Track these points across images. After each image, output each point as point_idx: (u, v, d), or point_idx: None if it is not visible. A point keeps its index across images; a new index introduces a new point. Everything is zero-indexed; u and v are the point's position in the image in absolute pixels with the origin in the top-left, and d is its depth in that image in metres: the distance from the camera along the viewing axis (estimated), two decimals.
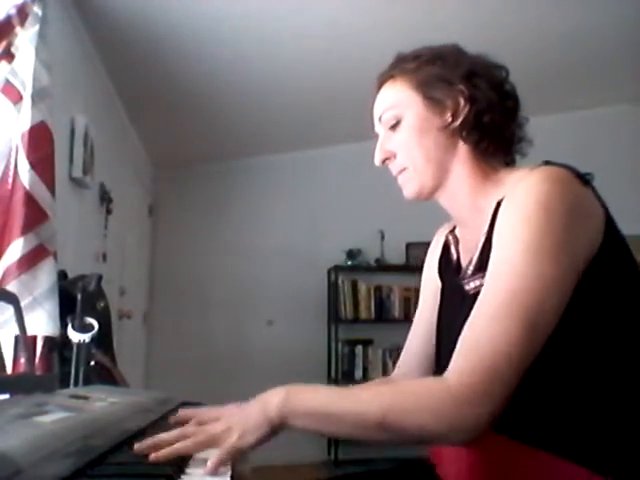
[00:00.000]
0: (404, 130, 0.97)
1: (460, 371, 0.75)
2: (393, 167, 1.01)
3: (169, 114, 3.86)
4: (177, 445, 0.74)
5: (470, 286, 0.93)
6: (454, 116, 0.94)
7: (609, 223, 0.83)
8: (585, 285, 0.80)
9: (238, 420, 0.79)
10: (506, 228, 0.82)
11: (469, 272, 0.95)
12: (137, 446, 0.72)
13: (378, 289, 4.63)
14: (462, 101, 0.93)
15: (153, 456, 0.71)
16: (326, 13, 2.89)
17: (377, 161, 1.01)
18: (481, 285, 0.86)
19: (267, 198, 4.82)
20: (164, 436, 0.76)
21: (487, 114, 0.93)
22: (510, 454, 0.83)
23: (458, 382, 0.74)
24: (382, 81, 1.01)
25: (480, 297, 0.80)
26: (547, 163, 0.86)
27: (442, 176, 0.96)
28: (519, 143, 0.98)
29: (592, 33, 3.45)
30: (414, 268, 4.52)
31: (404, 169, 0.98)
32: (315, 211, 4.83)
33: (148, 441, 0.74)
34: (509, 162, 0.99)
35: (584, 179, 0.83)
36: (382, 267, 4.65)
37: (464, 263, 1.00)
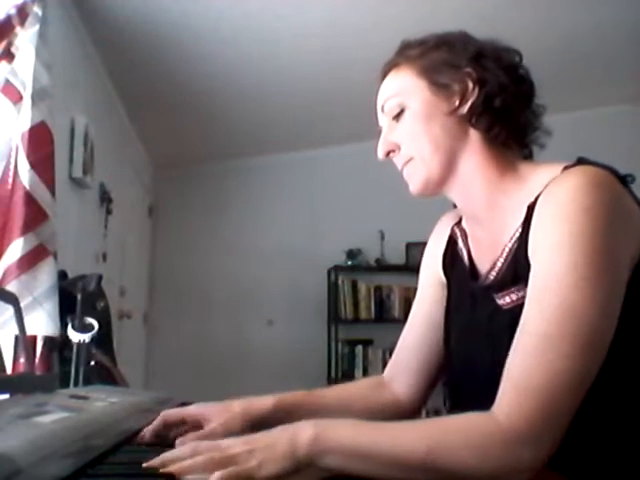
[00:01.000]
0: (409, 118, 0.90)
1: (511, 404, 0.67)
2: (398, 160, 0.93)
3: (169, 114, 3.86)
4: (187, 464, 0.64)
5: (505, 300, 0.84)
6: (462, 100, 0.87)
7: None
8: (630, 295, 0.73)
9: (262, 446, 0.68)
10: (548, 240, 0.74)
11: (491, 279, 0.88)
12: (145, 466, 0.65)
13: (378, 289, 4.63)
14: (470, 84, 0.86)
15: (162, 472, 0.63)
16: (326, 13, 2.89)
17: (380, 154, 0.94)
18: (518, 300, 0.80)
19: (267, 198, 4.81)
20: (174, 454, 0.67)
21: (498, 97, 0.86)
22: None
23: (510, 420, 0.66)
24: (386, 70, 0.95)
25: (524, 317, 0.72)
26: (581, 161, 0.79)
27: (451, 165, 0.89)
28: (534, 132, 0.90)
29: (592, 33, 3.45)
30: (414, 268, 4.46)
31: (409, 160, 0.91)
32: (315, 211, 4.83)
33: (157, 460, 0.65)
34: (527, 155, 0.92)
35: (624, 181, 0.78)
36: (382, 267, 4.64)
37: (481, 265, 0.93)
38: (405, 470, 0.68)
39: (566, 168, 0.79)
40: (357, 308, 4.59)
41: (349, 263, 4.61)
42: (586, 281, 0.69)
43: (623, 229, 0.73)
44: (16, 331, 1.09)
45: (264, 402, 0.93)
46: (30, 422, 0.68)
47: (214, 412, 0.90)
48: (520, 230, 0.82)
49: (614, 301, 0.71)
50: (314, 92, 3.72)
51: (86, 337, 1.56)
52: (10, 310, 1.08)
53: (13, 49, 1.73)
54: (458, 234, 1.00)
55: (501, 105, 0.86)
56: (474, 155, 0.88)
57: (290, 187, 4.85)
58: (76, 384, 1.54)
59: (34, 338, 1.59)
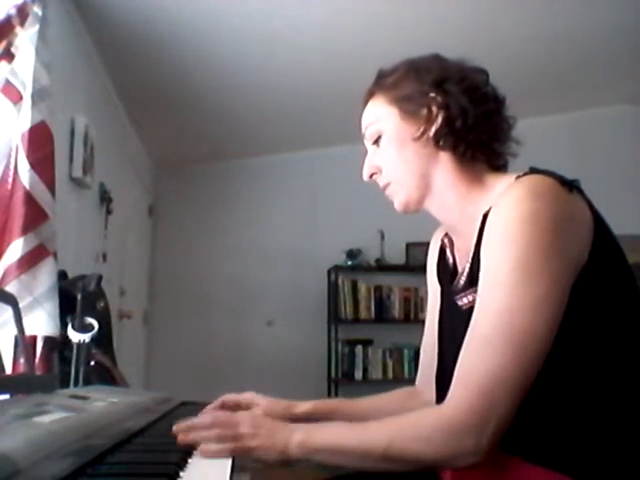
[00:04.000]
0: (385, 144, 0.99)
1: (455, 398, 0.78)
2: (379, 182, 1.02)
3: (169, 114, 3.86)
4: (204, 434, 0.82)
5: (463, 301, 0.94)
6: (428, 124, 0.94)
7: (598, 227, 0.82)
8: (579, 294, 0.79)
9: (265, 434, 0.83)
10: (493, 247, 0.82)
11: (461, 284, 0.95)
12: (175, 427, 0.83)
13: (378, 289, 4.63)
14: (435, 109, 0.94)
15: (180, 438, 0.81)
16: (326, 12, 2.89)
17: (365, 176, 1.04)
18: (474, 301, 0.86)
19: (267, 198, 4.81)
20: (198, 420, 0.86)
21: (459, 119, 0.92)
22: (522, 475, 0.82)
23: (453, 410, 0.77)
24: (365, 98, 1.03)
25: (472, 319, 0.81)
26: (532, 170, 0.85)
27: (426, 186, 0.97)
28: (504, 144, 0.96)
29: (592, 33, 3.45)
30: (414, 268, 4.53)
31: (388, 184, 1.00)
32: (315, 211, 4.83)
33: (185, 424, 0.84)
34: (502, 165, 0.98)
35: (570, 186, 0.82)
36: (382, 267, 4.64)
37: (459, 270, 1.00)
38: (371, 461, 0.80)
39: (518, 177, 0.85)
40: (357, 308, 4.59)
41: (349, 263, 4.61)
42: (522, 285, 0.77)
43: (565, 234, 0.79)
44: (16, 331, 1.09)
45: (305, 405, 1.09)
46: (30, 422, 0.68)
47: (264, 402, 1.07)
48: (476, 238, 0.89)
49: (553, 301, 0.77)
50: (314, 92, 3.72)
51: (86, 337, 1.56)
52: (10, 310, 1.08)
53: (13, 49, 1.73)
54: (447, 243, 1.07)
55: (462, 126, 0.93)
56: (445, 173, 0.96)
57: (290, 187, 4.85)
58: (76, 384, 1.54)
59: (34, 338, 1.59)
